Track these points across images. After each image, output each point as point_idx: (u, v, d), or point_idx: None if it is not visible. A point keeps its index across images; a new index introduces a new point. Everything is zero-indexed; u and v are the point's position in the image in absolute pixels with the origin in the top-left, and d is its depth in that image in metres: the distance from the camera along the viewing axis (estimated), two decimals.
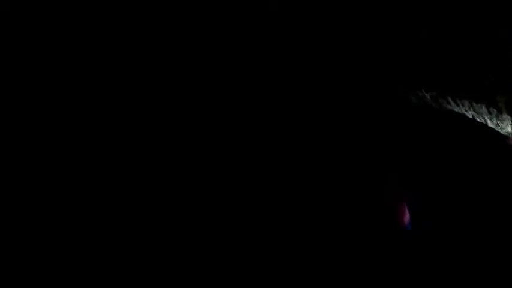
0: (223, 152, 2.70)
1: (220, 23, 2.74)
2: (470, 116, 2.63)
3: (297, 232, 2.65)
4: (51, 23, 2.72)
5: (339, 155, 2.70)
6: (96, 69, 2.72)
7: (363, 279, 2.59)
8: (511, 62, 2.64)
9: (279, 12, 2.74)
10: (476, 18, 2.66)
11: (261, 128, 2.72)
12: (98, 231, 2.63)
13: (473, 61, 2.65)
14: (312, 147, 2.71)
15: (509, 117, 2.54)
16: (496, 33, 2.64)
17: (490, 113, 2.58)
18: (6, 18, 2.71)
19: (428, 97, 2.64)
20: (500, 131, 2.59)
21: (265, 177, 2.69)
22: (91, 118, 2.70)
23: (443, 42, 2.67)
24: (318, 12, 2.74)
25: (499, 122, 2.57)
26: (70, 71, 2.72)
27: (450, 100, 2.63)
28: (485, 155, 2.64)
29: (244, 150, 2.71)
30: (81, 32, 2.73)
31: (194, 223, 2.65)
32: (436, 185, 2.66)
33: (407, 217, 2.64)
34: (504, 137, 2.61)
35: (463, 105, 2.62)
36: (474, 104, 2.59)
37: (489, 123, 2.60)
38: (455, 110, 2.65)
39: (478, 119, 2.62)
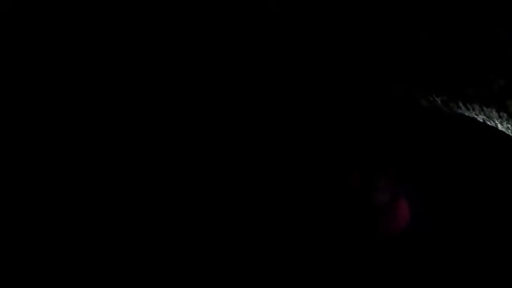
0: (223, 152, 2.70)
1: (220, 23, 2.74)
2: (481, 120, 2.63)
3: (297, 232, 2.65)
4: (51, 23, 2.73)
5: (339, 155, 2.70)
6: (96, 69, 2.72)
7: (363, 279, 2.59)
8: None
9: (279, 12, 2.74)
10: (477, 18, 2.66)
11: (261, 128, 2.72)
12: (97, 231, 2.63)
13: (483, 65, 2.65)
14: (312, 147, 2.71)
15: None
16: (496, 33, 2.64)
17: (500, 117, 2.58)
18: (6, 18, 2.71)
19: (439, 101, 2.64)
20: (510, 134, 2.60)
21: (265, 177, 2.69)
22: (91, 118, 2.70)
23: (450, 44, 2.67)
24: (318, 12, 2.74)
25: (509, 126, 2.58)
26: (70, 71, 2.72)
27: (461, 104, 2.63)
28: (496, 158, 2.64)
29: (244, 150, 2.71)
30: (82, 32, 2.73)
31: (194, 223, 2.65)
32: (441, 186, 2.65)
33: (407, 216, 2.64)
34: None
35: (473, 109, 2.62)
36: (485, 108, 2.59)
37: (500, 127, 2.60)
38: (466, 113, 2.65)
39: (489, 123, 2.62)
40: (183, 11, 2.75)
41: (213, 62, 2.74)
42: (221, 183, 2.68)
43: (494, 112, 2.59)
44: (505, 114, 2.53)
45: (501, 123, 2.56)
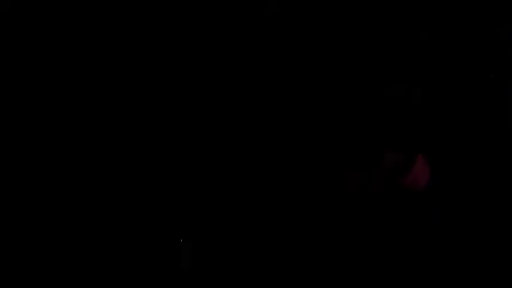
0: (223, 152, 2.70)
1: (220, 23, 2.74)
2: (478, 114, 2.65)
3: (297, 232, 2.65)
4: (51, 23, 2.73)
5: (339, 155, 2.70)
6: (96, 69, 2.72)
7: (366, 278, 2.59)
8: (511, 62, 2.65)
9: (279, 12, 2.74)
10: (477, 18, 2.67)
11: (261, 128, 2.72)
12: (97, 231, 2.63)
13: (483, 65, 2.66)
14: (312, 147, 2.71)
15: None
16: (496, 33, 2.64)
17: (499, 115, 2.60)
18: (6, 18, 2.71)
19: (433, 96, 2.64)
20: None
21: (265, 177, 2.69)
22: (91, 118, 2.70)
23: (449, 44, 2.68)
24: (318, 12, 2.74)
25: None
26: (70, 71, 2.72)
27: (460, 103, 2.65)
28: (494, 154, 2.65)
29: (244, 150, 2.71)
30: (82, 32, 2.73)
31: (194, 223, 2.65)
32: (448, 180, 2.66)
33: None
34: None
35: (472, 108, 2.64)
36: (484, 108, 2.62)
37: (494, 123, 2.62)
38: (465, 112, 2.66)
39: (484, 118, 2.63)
40: (183, 10, 2.75)
41: (213, 62, 2.74)
42: (221, 183, 2.68)
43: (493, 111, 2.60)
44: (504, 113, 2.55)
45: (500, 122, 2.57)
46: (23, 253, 2.60)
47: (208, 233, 2.65)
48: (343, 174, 2.68)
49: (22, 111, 2.70)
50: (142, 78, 2.73)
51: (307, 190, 2.67)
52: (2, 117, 2.69)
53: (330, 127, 2.72)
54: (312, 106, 2.73)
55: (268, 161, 2.70)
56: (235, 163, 2.70)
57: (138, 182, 2.67)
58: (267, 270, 2.61)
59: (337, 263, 2.61)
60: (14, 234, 2.61)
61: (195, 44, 2.74)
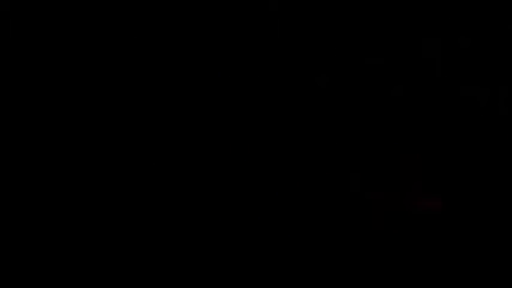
0: (223, 152, 2.70)
1: (220, 23, 2.74)
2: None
3: (297, 232, 2.65)
4: (51, 23, 2.72)
5: (339, 154, 2.70)
6: (96, 69, 2.72)
7: (365, 278, 2.59)
8: None
9: (279, 12, 2.73)
10: (483, 15, 2.67)
11: (261, 128, 2.72)
12: (97, 231, 2.63)
13: (490, 61, 2.67)
14: (312, 147, 2.71)
15: None
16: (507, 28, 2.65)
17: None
18: (6, 18, 2.71)
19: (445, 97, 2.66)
20: None
21: (265, 177, 2.69)
22: (91, 118, 2.70)
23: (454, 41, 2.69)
24: (319, 12, 2.74)
25: None
26: (70, 71, 2.72)
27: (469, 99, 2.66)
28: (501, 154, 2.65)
29: (244, 150, 2.70)
30: (81, 32, 2.73)
31: (194, 223, 2.65)
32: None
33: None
34: None
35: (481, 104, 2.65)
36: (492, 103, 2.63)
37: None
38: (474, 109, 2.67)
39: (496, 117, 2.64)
40: (183, 10, 2.74)
41: (213, 62, 2.74)
42: (221, 183, 2.68)
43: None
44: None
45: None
46: (23, 253, 2.60)
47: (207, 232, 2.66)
48: (343, 175, 2.68)
49: (22, 111, 2.69)
50: (142, 78, 2.73)
51: (307, 190, 2.68)
52: (2, 117, 2.69)
53: (330, 127, 2.71)
54: (313, 106, 2.72)
55: (268, 161, 2.70)
56: (236, 163, 2.70)
57: (138, 182, 2.67)
58: (267, 270, 2.61)
59: (337, 263, 2.61)
60: (14, 234, 2.61)
61: (195, 44, 2.74)
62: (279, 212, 2.66)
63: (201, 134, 2.71)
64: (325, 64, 2.73)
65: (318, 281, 2.60)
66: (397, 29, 2.72)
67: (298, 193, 2.67)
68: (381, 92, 2.71)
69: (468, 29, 2.70)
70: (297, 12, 2.73)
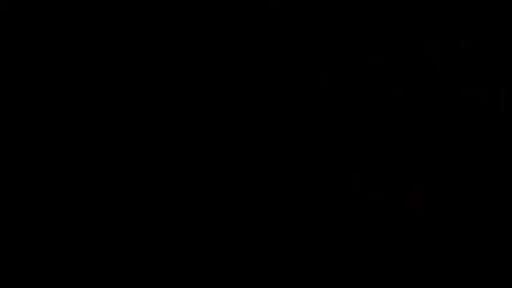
0: (223, 152, 2.70)
1: (220, 23, 2.74)
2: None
3: (297, 232, 2.65)
4: (51, 23, 2.72)
5: (339, 154, 2.70)
6: (96, 69, 2.72)
7: (365, 278, 2.59)
8: None
9: (279, 12, 2.73)
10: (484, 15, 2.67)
11: (261, 128, 2.72)
12: (97, 231, 2.63)
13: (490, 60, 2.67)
14: (312, 147, 2.71)
15: None
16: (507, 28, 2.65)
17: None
18: (6, 18, 2.71)
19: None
20: None
21: (265, 177, 2.69)
22: (91, 118, 2.70)
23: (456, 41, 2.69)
24: (318, 12, 2.73)
25: None
26: (70, 71, 2.72)
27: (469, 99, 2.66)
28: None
29: (244, 150, 2.70)
30: (81, 32, 2.73)
31: (194, 223, 2.65)
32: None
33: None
34: None
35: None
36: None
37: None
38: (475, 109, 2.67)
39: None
40: (183, 10, 2.74)
41: (213, 62, 2.73)
42: (221, 183, 2.68)
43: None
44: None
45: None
46: (23, 253, 2.60)
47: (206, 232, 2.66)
48: (343, 175, 2.68)
49: (22, 111, 2.69)
50: (142, 78, 2.73)
51: (307, 190, 2.68)
52: (2, 117, 2.69)
53: (330, 127, 2.71)
54: (312, 106, 2.72)
55: (268, 161, 2.70)
56: (236, 163, 2.70)
57: (138, 182, 2.67)
58: (267, 270, 2.61)
59: (337, 263, 2.62)
60: (14, 234, 2.61)
61: (195, 44, 2.74)
62: (279, 212, 2.66)
63: (201, 134, 2.71)
64: (325, 64, 2.73)
65: (318, 281, 2.61)
66: (397, 29, 2.72)
67: (298, 193, 2.67)
68: (381, 92, 2.71)
69: (468, 29, 2.70)
70: (297, 12, 2.73)
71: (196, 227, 2.65)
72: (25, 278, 2.58)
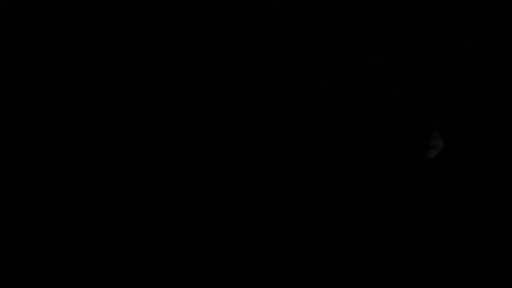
0: (223, 152, 2.70)
1: (220, 23, 2.74)
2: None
3: (297, 232, 2.65)
4: (51, 23, 2.72)
5: (338, 154, 2.70)
6: (96, 69, 2.72)
7: (365, 278, 2.59)
8: None
9: (279, 12, 2.74)
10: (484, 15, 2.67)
11: (261, 128, 2.72)
12: (97, 231, 2.63)
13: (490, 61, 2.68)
14: (312, 147, 2.71)
15: None
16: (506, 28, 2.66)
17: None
18: (6, 18, 2.71)
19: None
20: None
21: (265, 177, 2.69)
22: (91, 118, 2.70)
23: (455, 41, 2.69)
24: (318, 12, 2.74)
25: None
26: (70, 71, 2.72)
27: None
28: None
29: (244, 150, 2.70)
30: (81, 32, 2.73)
31: (194, 223, 2.65)
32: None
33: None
34: None
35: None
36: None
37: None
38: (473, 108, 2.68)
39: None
40: (183, 10, 2.74)
41: (213, 62, 2.74)
42: (221, 183, 2.68)
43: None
44: None
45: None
46: (23, 253, 2.60)
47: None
48: (342, 175, 2.68)
49: (22, 111, 2.70)
50: (142, 78, 2.73)
51: (307, 190, 2.68)
52: (2, 117, 2.69)
53: (330, 127, 2.72)
54: (312, 106, 2.73)
55: (268, 161, 2.70)
56: (236, 163, 2.70)
57: (138, 182, 2.67)
58: (267, 269, 2.61)
59: (336, 263, 2.62)
60: (14, 234, 2.61)
61: (195, 44, 2.74)
62: (279, 212, 2.66)
63: (201, 134, 2.71)
64: (325, 64, 2.73)
65: (318, 281, 2.61)
66: (397, 29, 2.72)
67: (298, 193, 2.67)
68: (381, 92, 2.71)
69: (468, 29, 2.70)
70: (297, 12, 2.73)
71: (196, 227, 2.65)
72: (25, 278, 2.58)
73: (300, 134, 2.71)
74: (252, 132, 2.71)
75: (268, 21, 2.73)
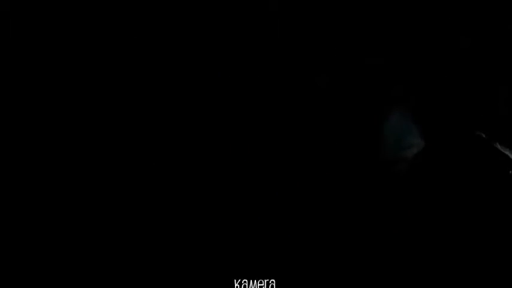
0: (223, 152, 2.71)
1: (220, 23, 2.74)
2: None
3: (297, 232, 2.65)
4: (51, 23, 2.73)
5: (338, 154, 2.71)
6: (96, 69, 2.72)
7: (365, 278, 2.60)
8: None
9: (279, 12, 2.74)
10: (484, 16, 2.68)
11: (261, 128, 2.72)
12: (97, 231, 2.63)
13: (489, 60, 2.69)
14: (312, 147, 2.71)
15: None
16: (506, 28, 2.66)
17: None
18: (6, 18, 2.72)
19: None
20: None
21: (265, 177, 2.69)
22: (91, 118, 2.70)
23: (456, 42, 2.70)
24: (318, 12, 2.74)
25: None
26: (70, 71, 2.72)
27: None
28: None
29: (244, 150, 2.71)
30: (81, 32, 2.73)
31: (194, 223, 2.65)
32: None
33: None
34: None
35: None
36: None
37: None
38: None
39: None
40: (183, 10, 2.75)
41: (213, 62, 2.74)
42: (221, 183, 2.68)
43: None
44: None
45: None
46: (23, 253, 2.60)
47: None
48: (342, 175, 2.68)
49: (22, 111, 2.70)
50: (142, 78, 2.73)
51: (307, 190, 2.68)
52: (2, 117, 2.69)
53: (330, 127, 2.72)
54: (312, 105, 2.73)
55: (268, 160, 2.70)
56: (236, 163, 2.70)
57: (138, 182, 2.68)
58: (267, 269, 2.61)
59: (336, 263, 2.62)
60: (14, 234, 2.62)
61: (195, 44, 2.74)
62: (279, 212, 2.66)
63: (201, 134, 2.71)
64: (325, 64, 2.73)
65: (318, 280, 2.61)
66: (397, 29, 2.72)
67: (298, 193, 2.68)
68: (381, 92, 2.71)
69: (468, 29, 2.70)
70: (297, 12, 2.74)
71: (196, 226, 2.65)
72: (25, 278, 2.58)
73: (300, 133, 2.71)
74: (252, 132, 2.72)
75: (268, 21, 2.73)
